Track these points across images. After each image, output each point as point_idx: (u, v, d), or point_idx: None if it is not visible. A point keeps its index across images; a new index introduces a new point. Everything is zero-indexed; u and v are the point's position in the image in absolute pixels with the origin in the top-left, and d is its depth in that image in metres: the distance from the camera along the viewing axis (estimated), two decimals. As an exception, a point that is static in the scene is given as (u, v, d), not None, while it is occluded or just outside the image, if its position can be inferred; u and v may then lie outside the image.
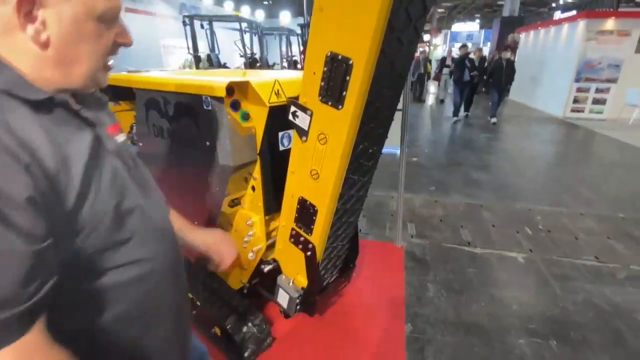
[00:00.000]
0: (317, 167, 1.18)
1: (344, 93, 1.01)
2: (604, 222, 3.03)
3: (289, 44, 10.19)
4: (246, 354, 1.57)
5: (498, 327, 1.87)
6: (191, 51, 7.31)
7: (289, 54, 10.02)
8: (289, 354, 1.70)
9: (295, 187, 1.30)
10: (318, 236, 1.32)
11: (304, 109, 1.13)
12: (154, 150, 1.63)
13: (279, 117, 1.25)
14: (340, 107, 1.03)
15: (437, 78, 12.01)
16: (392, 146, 2.36)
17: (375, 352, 1.73)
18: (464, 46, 7.72)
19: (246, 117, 1.30)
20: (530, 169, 4.65)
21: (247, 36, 7.96)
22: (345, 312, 2.00)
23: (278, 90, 1.27)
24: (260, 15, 17.39)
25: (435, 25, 22.22)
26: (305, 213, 1.30)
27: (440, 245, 2.68)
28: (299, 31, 7.83)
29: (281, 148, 1.43)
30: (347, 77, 0.98)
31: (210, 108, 1.25)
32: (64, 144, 0.51)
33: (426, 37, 26.51)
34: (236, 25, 7.62)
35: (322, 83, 1.04)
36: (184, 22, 7.21)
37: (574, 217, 3.11)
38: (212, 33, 7.69)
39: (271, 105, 1.26)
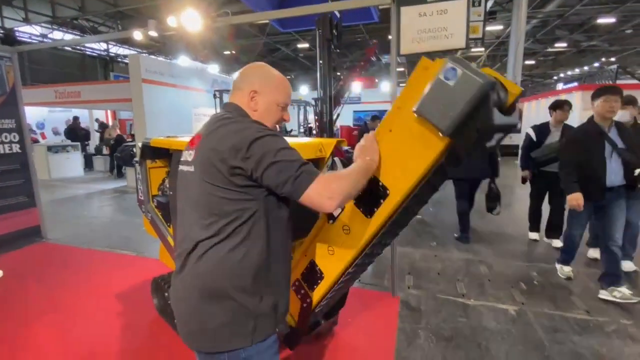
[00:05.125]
0: (335, 247, 1.35)
1: (375, 209, 1.17)
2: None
3: (305, 113, 11.41)
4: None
5: (482, 372, 1.95)
6: (219, 119, 8.40)
7: (306, 122, 11.16)
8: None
9: (311, 251, 1.44)
10: (318, 295, 1.46)
11: None
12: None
13: None
14: (369, 217, 1.19)
15: None
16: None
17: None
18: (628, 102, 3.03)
19: None
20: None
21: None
22: (337, 353, 2.14)
23: None
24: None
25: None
26: (312, 274, 1.44)
27: (435, 296, 2.81)
28: (313, 103, 8.83)
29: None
30: (381, 201, 1.15)
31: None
32: None
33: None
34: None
35: (361, 194, 1.14)
36: (214, 94, 8.38)
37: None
38: (238, 104, 8.87)
39: None
